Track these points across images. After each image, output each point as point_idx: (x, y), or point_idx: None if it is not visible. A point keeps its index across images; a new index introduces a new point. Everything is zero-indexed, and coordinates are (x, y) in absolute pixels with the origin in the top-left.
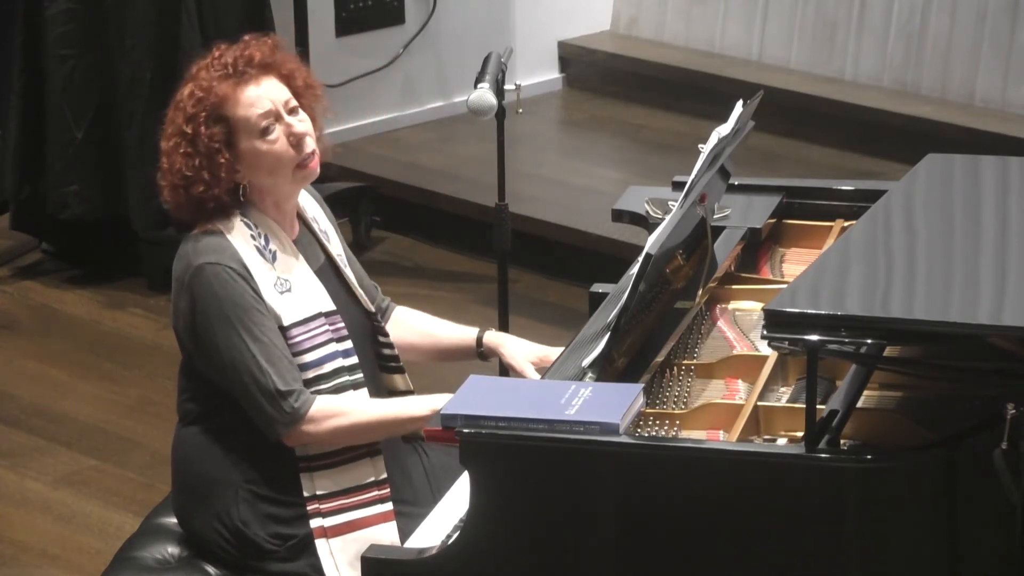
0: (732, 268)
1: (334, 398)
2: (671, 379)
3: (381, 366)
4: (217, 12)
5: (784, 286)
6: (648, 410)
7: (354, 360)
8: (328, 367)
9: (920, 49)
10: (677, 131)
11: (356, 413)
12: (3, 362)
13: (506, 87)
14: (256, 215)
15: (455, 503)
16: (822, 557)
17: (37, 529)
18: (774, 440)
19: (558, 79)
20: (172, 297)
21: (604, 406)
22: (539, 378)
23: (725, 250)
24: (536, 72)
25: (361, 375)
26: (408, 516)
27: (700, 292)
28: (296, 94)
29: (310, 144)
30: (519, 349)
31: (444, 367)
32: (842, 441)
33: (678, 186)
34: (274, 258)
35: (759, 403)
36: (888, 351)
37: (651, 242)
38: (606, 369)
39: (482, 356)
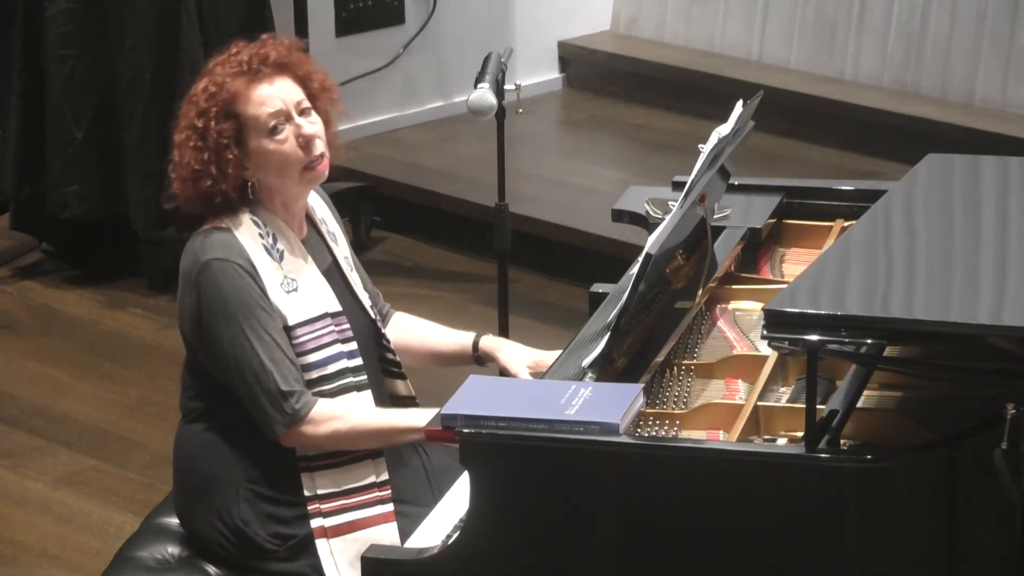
0: (732, 268)
1: (335, 402)
2: (671, 379)
3: (384, 371)
4: (217, 12)
5: (784, 286)
6: (648, 410)
7: (359, 362)
8: (332, 368)
9: (920, 49)
10: (677, 131)
11: (356, 418)
12: (3, 362)
13: (506, 87)
14: (265, 214)
15: (455, 503)
16: (822, 557)
17: (37, 529)
18: (774, 440)
19: (558, 79)
20: (179, 292)
21: (604, 406)
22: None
23: (725, 250)
24: (536, 72)
25: (365, 377)
26: (408, 516)
27: (700, 292)
28: (311, 96)
29: (319, 147)
30: (515, 353)
31: (443, 368)
32: (842, 441)
33: (678, 186)
34: (281, 257)
35: (759, 403)
36: (888, 351)
37: (651, 242)
38: (606, 369)
39: (479, 361)
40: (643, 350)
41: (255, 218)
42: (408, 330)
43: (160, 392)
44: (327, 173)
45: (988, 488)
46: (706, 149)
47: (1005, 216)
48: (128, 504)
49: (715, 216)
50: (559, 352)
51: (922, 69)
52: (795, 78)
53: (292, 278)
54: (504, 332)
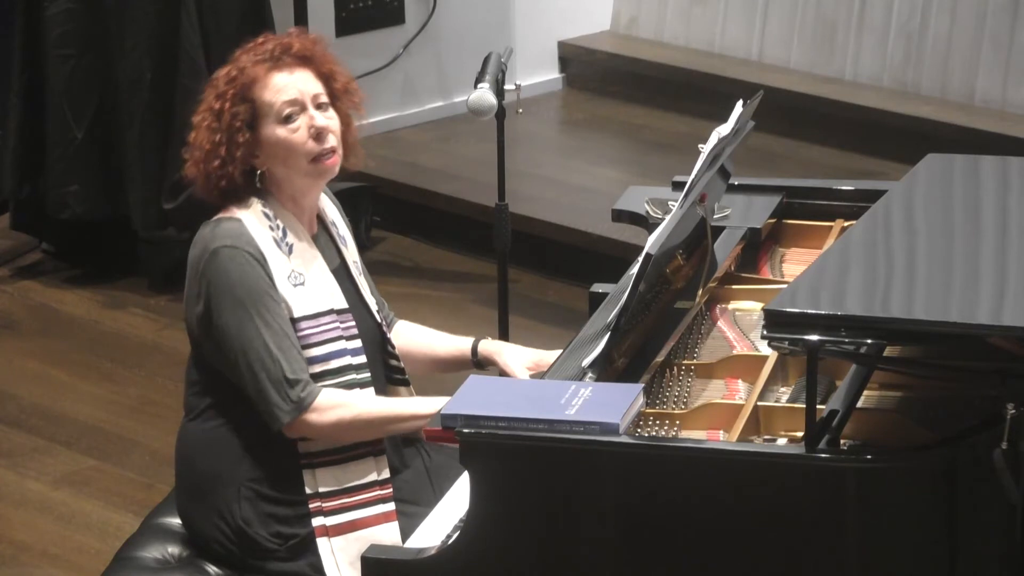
0: (732, 268)
1: (339, 391)
2: (671, 379)
3: (388, 377)
4: (217, 12)
5: (784, 286)
6: (648, 410)
7: (362, 359)
8: (335, 363)
9: (920, 49)
10: (677, 131)
11: (360, 407)
12: (3, 362)
13: (506, 87)
14: (275, 206)
15: (455, 503)
16: (822, 557)
17: (37, 529)
18: (774, 440)
19: (558, 79)
20: (186, 283)
21: (604, 406)
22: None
23: (725, 250)
24: (536, 72)
25: (368, 375)
26: (409, 516)
27: (700, 292)
28: (332, 95)
29: (331, 140)
30: (515, 356)
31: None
32: (842, 441)
33: (678, 186)
34: (291, 251)
35: (759, 403)
36: (888, 351)
37: (651, 242)
38: (606, 369)
39: (478, 365)
40: (643, 350)
41: (266, 210)
42: (410, 337)
43: (160, 392)
44: (336, 170)
45: (988, 488)
46: (706, 149)
47: (1005, 216)
48: (128, 504)
49: (715, 216)
50: (559, 352)
51: (922, 69)
52: (795, 78)
53: (300, 272)
54: (504, 332)
